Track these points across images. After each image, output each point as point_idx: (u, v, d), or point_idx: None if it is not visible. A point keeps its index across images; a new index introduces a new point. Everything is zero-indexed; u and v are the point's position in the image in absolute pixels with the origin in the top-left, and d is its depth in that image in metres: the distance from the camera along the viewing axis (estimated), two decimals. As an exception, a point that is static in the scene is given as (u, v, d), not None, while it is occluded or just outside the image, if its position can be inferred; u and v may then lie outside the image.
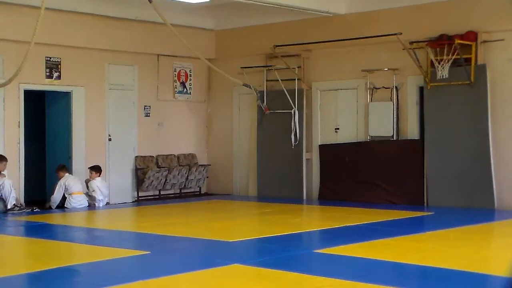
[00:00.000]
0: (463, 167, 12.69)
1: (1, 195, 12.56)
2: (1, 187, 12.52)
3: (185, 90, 15.99)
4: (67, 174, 13.41)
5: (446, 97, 12.85)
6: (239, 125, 15.98)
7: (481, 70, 12.52)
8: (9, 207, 12.53)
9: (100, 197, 13.58)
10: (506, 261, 7.60)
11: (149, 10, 11.88)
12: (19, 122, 13.30)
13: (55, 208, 13.23)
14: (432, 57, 12.74)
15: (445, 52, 12.57)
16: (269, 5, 13.20)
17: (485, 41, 12.58)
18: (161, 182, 15.03)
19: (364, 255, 8.17)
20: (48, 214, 12.54)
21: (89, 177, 13.65)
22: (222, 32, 16.14)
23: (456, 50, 12.38)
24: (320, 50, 14.57)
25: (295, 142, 14.68)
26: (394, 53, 13.38)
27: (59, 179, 13.34)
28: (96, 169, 13.66)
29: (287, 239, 9.52)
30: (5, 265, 7.99)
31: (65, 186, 13.24)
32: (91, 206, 13.49)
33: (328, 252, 8.44)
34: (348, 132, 14.33)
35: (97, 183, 13.58)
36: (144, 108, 15.25)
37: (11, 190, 12.55)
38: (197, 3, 13.59)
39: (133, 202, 14.78)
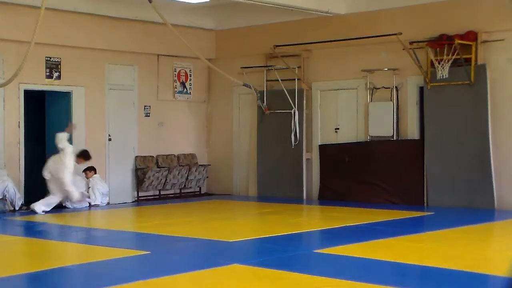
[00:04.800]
0: (463, 167, 12.69)
1: (5, 197, 12.60)
2: (6, 190, 12.57)
3: (185, 90, 15.99)
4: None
5: (446, 97, 12.85)
6: (239, 125, 15.98)
7: (481, 70, 12.52)
8: (17, 208, 12.60)
9: (97, 194, 13.58)
10: (506, 261, 7.61)
11: (149, 10, 11.89)
12: (19, 122, 13.30)
13: (54, 208, 13.24)
14: (432, 57, 12.75)
15: (445, 52, 12.57)
16: (269, 5, 13.20)
17: (485, 41, 12.58)
18: (161, 182, 15.03)
19: (364, 255, 8.17)
20: (48, 214, 12.53)
21: (86, 178, 13.69)
22: (222, 32, 16.14)
23: (456, 50, 12.39)
24: (320, 50, 14.57)
25: (295, 142, 14.68)
26: (394, 53, 13.38)
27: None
28: (90, 169, 13.70)
29: (287, 239, 9.52)
30: (5, 265, 7.99)
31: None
32: (93, 205, 13.50)
33: (328, 252, 8.44)
34: (348, 132, 14.33)
35: (96, 180, 13.64)
36: (144, 108, 15.25)
37: (15, 191, 12.62)
38: (197, 3, 13.59)
39: (133, 202, 14.78)
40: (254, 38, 15.43)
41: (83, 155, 13.33)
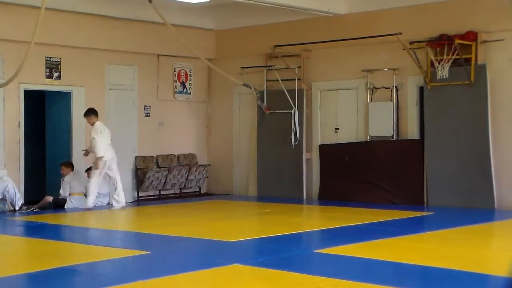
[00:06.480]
0: (463, 167, 12.69)
1: (5, 197, 12.61)
2: (6, 190, 12.57)
3: (185, 90, 15.99)
4: (71, 172, 13.43)
5: (446, 97, 12.85)
6: (239, 125, 15.98)
7: (481, 70, 12.52)
8: (17, 208, 12.59)
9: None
10: (506, 261, 7.60)
11: (149, 10, 11.89)
12: (19, 122, 13.30)
13: (55, 208, 13.23)
14: (432, 57, 12.74)
15: (445, 52, 12.57)
16: (269, 5, 13.20)
17: (485, 41, 12.58)
18: (161, 182, 15.03)
19: (364, 255, 8.17)
20: (48, 214, 12.54)
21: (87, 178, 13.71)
22: (222, 32, 16.14)
23: (456, 50, 12.39)
24: (320, 50, 14.57)
25: (295, 142, 14.68)
26: (394, 53, 13.38)
27: (64, 175, 13.36)
28: (91, 169, 13.71)
29: (287, 239, 9.52)
30: (5, 265, 7.99)
31: (69, 184, 13.26)
32: (93, 205, 13.51)
33: (328, 252, 8.44)
34: (348, 132, 14.33)
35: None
36: (144, 108, 15.25)
37: (15, 192, 12.62)
38: (197, 3, 13.59)
39: (133, 202, 14.77)
40: (254, 38, 15.43)
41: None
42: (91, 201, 13.05)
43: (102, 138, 12.98)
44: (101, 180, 13.17)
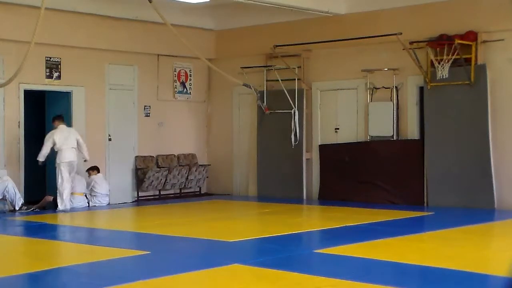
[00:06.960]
0: (463, 167, 12.69)
1: (5, 197, 12.60)
2: (6, 190, 12.56)
3: (185, 90, 15.99)
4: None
5: (446, 97, 12.86)
6: (239, 125, 15.98)
7: (481, 70, 12.52)
8: (17, 208, 12.59)
9: (102, 192, 13.60)
10: (506, 261, 7.60)
11: (149, 10, 11.88)
12: (19, 122, 13.30)
13: (55, 208, 13.23)
14: (432, 57, 12.75)
15: (445, 52, 12.57)
16: (269, 5, 13.20)
17: (485, 41, 12.58)
18: (161, 182, 15.03)
19: (364, 255, 8.17)
20: (48, 214, 12.54)
21: (88, 177, 13.73)
22: (222, 32, 16.14)
23: (456, 50, 12.39)
24: (320, 50, 14.57)
25: (295, 142, 14.68)
26: (394, 53, 13.38)
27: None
28: (93, 168, 13.71)
29: (287, 239, 9.52)
30: (5, 265, 7.99)
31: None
32: (93, 205, 13.52)
33: (328, 252, 8.45)
34: (348, 132, 14.33)
35: (97, 178, 13.66)
36: (144, 108, 15.25)
37: (15, 192, 12.61)
38: (197, 3, 13.59)
39: (133, 202, 14.78)
40: (254, 38, 15.43)
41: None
42: (62, 204, 12.96)
43: (49, 143, 12.99)
44: (69, 182, 13.09)
